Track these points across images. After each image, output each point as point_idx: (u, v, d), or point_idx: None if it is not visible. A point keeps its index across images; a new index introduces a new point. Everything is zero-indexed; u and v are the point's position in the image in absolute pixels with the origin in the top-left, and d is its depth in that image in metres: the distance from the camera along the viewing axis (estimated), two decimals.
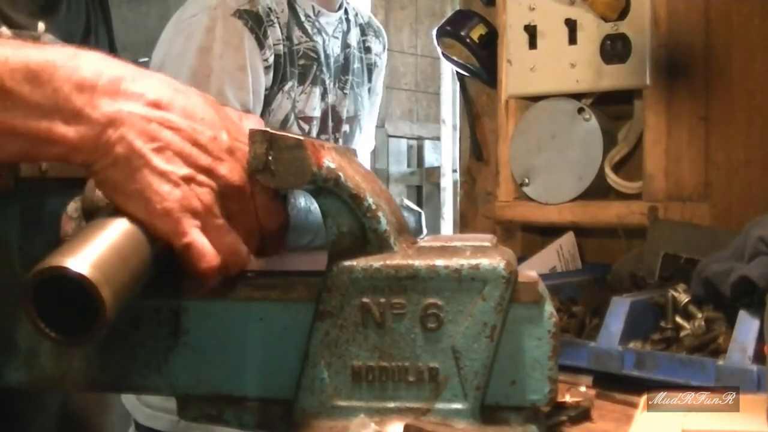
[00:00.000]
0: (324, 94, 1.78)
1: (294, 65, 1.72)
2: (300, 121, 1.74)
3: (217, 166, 0.70)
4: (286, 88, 1.70)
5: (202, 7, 1.67)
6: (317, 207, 0.81)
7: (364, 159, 2.26)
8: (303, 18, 1.77)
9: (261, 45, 1.65)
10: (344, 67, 1.88)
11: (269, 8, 1.68)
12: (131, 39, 3.69)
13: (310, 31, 1.77)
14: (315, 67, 1.76)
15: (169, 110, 0.69)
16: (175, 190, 0.68)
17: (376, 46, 2.01)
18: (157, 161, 0.68)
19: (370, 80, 2.00)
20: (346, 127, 1.89)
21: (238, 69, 1.61)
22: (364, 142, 2.05)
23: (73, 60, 0.67)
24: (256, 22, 1.65)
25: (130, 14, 5.11)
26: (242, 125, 0.75)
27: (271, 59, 1.67)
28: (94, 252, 0.62)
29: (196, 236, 0.68)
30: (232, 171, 0.70)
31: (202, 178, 0.69)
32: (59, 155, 0.67)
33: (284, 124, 1.71)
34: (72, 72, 0.66)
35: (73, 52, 0.68)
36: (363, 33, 1.98)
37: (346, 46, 1.88)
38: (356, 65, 1.92)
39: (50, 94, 0.65)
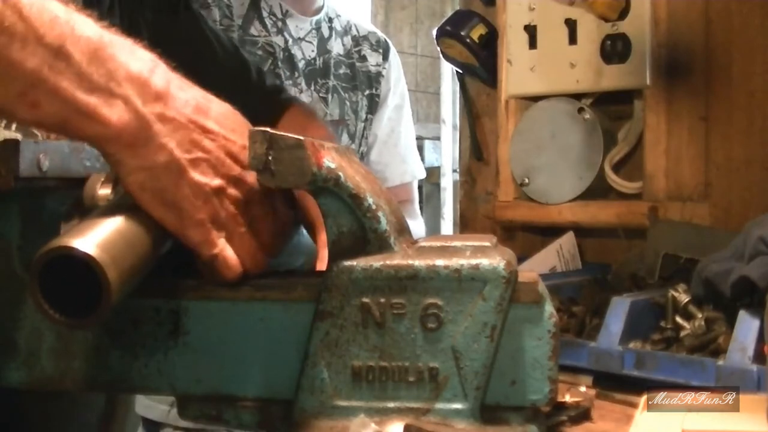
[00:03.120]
0: None
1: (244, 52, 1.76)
2: None
3: (245, 175, 0.73)
4: None
5: None
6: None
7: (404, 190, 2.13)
8: (266, 15, 1.81)
9: None
10: (323, 71, 1.90)
11: None
12: None
13: (270, 28, 1.81)
14: (270, 61, 1.79)
15: (207, 117, 0.72)
16: (206, 203, 0.70)
17: (373, 56, 2.03)
18: (194, 173, 0.70)
19: (371, 88, 2.01)
20: None
21: None
22: (385, 159, 2.05)
23: (132, 51, 0.69)
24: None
25: None
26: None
27: None
28: (101, 234, 0.63)
29: (223, 247, 0.71)
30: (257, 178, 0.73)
31: (231, 189, 0.72)
32: (95, 136, 0.67)
33: None
34: (129, 61, 0.68)
35: (131, 43, 0.70)
36: (357, 44, 2.01)
37: (324, 51, 1.91)
38: (342, 71, 1.94)
39: (104, 72, 0.66)
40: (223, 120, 0.73)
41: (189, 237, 0.71)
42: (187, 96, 0.71)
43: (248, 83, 1.34)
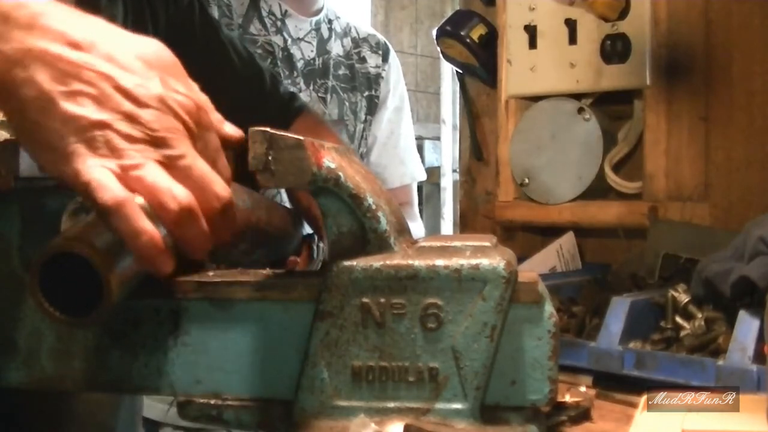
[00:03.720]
0: None
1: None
2: None
3: (140, 113, 0.63)
4: None
5: None
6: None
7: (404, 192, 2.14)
8: (265, 14, 1.83)
9: None
10: (322, 72, 1.91)
11: None
12: None
13: (269, 28, 1.83)
14: (269, 60, 1.80)
15: (89, 52, 0.63)
16: (82, 134, 0.61)
17: (373, 58, 2.04)
18: (67, 105, 0.61)
19: (370, 89, 2.02)
20: None
21: None
22: (385, 161, 2.06)
23: None
24: None
25: None
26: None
27: None
28: (101, 233, 0.63)
29: (96, 173, 0.61)
30: (159, 119, 0.64)
31: (120, 124, 0.63)
32: None
33: None
34: None
35: None
36: (356, 45, 2.02)
37: (323, 52, 1.92)
38: (342, 72, 1.96)
39: None
40: (112, 55, 0.64)
41: (64, 174, 0.61)
42: (63, 27, 0.62)
43: (263, 90, 1.33)
